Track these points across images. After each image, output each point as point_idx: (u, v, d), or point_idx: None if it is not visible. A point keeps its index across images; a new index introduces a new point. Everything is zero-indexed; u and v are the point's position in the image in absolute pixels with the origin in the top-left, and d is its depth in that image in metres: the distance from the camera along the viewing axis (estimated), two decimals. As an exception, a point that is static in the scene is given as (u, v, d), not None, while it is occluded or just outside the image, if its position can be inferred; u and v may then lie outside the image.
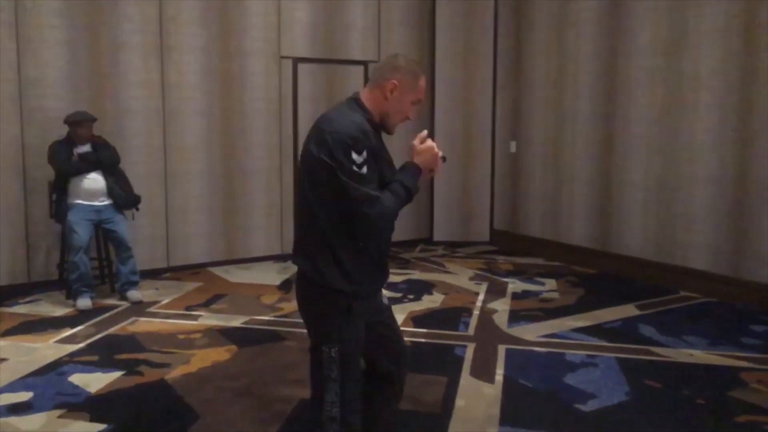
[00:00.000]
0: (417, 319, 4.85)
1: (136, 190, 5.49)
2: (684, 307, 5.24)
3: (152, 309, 5.11)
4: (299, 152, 7.73)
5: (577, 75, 6.57)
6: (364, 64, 7.10)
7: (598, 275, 6.27)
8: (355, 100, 2.26)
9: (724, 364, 4.01)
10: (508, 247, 7.46)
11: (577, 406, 3.41)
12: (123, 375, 3.79)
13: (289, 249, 6.84)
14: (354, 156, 2.07)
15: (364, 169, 2.08)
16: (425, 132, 2.32)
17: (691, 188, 5.60)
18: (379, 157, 2.18)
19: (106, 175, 5.24)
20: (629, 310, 5.10)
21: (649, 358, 4.11)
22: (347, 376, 2.21)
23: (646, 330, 4.64)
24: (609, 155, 6.31)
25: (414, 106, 2.29)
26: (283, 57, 6.65)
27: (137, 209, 5.51)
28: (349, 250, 2.18)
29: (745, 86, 5.17)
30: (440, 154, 2.30)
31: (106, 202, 5.24)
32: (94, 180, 5.20)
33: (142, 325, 4.72)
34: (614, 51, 6.18)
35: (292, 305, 5.16)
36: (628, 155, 6.12)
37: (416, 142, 2.28)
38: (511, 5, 7.29)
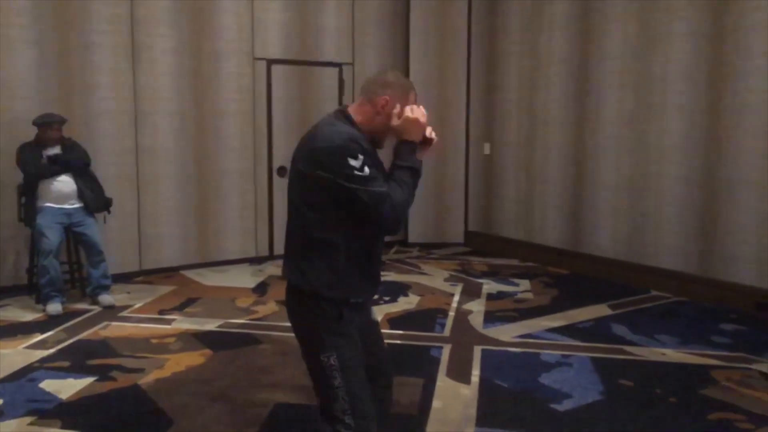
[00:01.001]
0: (393, 321, 4.85)
1: (108, 193, 5.40)
2: (655, 306, 5.32)
3: (124, 313, 5.03)
4: (273, 154, 7.66)
5: (549, 77, 6.64)
6: (338, 66, 7.09)
7: (571, 276, 6.34)
8: (341, 112, 2.24)
9: (695, 362, 4.08)
10: (482, 248, 7.50)
11: (552, 405, 3.44)
12: (95, 381, 3.72)
13: (263, 251, 6.85)
14: (352, 162, 2.03)
15: (366, 170, 2.04)
16: (397, 107, 2.21)
17: (660, 189, 5.69)
18: (373, 158, 2.14)
19: (76, 177, 5.16)
20: (602, 310, 5.17)
21: (622, 357, 4.17)
22: (351, 381, 2.16)
23: (619, 329, 4.70)
24: (581, 157, 6.39)
25: None
26: (256, 58, 6.61)
27: (109, 212, 5.43)
28: (341, 260, 2.15)
29: (713, 88, 5.27)
30: (428, 134, 2.24)
31: (77, 205, 5.15)
32: (64, 183, 5.11)
33: (114, 329, 4.65)
34: (585, 54, 6.25)
35: (267, 308, 5.13)
36: (599, 157, 6.20)
37: (393, 121, 2.21)
38: (484, 8, 7.34)
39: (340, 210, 2.10)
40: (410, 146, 2.20)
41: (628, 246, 5.98)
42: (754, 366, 4.01)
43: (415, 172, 2.17)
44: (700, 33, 5.32)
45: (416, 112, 2.20)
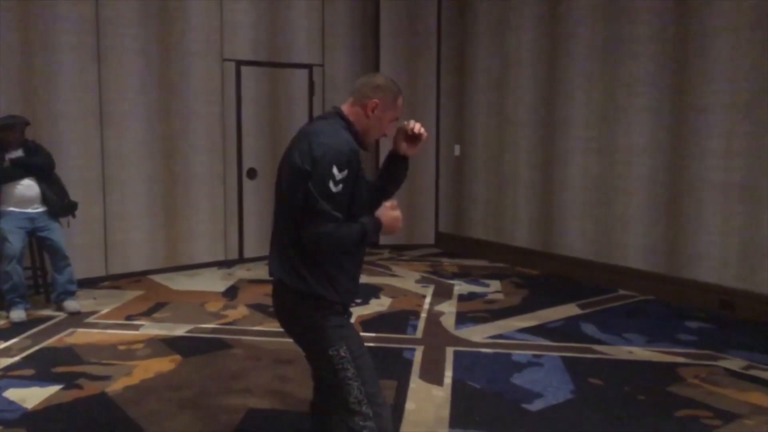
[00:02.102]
0: (365, 323, 4.84)
1: (73, 197, 5.29)
2: (623, 305, 5.40)
3: (91, 319, 4.94)
4: (242, 156, 7.54)
5: (519, 80, 6.70)
6: (309, 67, 7.06)
7: (541, 276, 6.40)
8: (339, 115, 2.27)
9: (662, 360, 4.15)
10: (453, 249, 7.53)
11: (524, 405, 3.47)
12: (61, 389, 3.65)
13: (233, 254, 6.78)
14: (335, 171, 2.06)
15: (339, 187, 2.07)
16: (393, 201, 2.28)
17: (627, 190, 5.78)
18: (360, 179, 2.17)
19: (40, 181, 5.05)
20: (571, 310, 5.23)
21: (591, 356, 4.22)
22: (363, 370, 2.19)
23: (588, 329, 4.76)
24: (549, 158, 6.45)
25: (392, 123, 2.32)
26: (225, 60, 6.55)
27: (73, 216, 5.32)
28: (331, 260, 2.18)
29: (678, 90, 5.37)
30: (417, 130, 2.33)
31: (41, 209, 5.04)
32: (28, 186, 5.00)
33: (81, 336, 4.56)
34: (554, 57, 6.32)
35: (237, 312, 5.07)
36: (568, 158, 6.27)
37: (387, 204, 2.25)
38: (454, 10, 7.38)
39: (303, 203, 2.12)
40: (379, 228, 2.20)
41: (596, 246, 6.06)
42: (719, 363, 4.09)
43: (363, 241, 2.16)
44: (665, 36, 5.42)
45: (398, 215, 2.23)
